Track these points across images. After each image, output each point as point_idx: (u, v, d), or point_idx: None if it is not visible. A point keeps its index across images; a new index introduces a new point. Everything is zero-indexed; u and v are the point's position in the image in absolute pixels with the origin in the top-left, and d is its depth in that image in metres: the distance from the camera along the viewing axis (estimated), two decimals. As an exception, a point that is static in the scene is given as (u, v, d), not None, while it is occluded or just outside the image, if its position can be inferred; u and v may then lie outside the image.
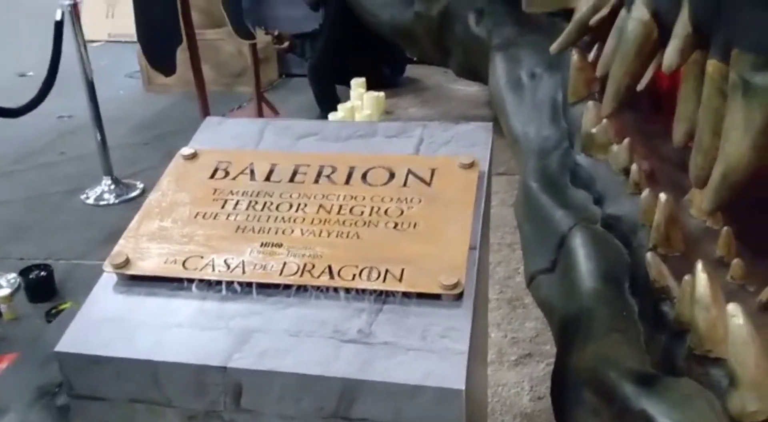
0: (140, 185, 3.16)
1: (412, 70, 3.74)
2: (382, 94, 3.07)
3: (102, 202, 3.05)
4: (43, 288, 2.15)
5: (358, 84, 3.13)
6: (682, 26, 0.76)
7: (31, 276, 2.18)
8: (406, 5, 2.40)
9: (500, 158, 1.75)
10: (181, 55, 3.49)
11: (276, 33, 4.19)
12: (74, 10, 2.88)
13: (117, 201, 3.04)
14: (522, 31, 1.72)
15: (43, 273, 2.21)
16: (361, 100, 3.01)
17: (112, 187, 3.13)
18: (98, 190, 3.12)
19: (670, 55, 0.78)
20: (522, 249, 1.19)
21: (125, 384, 0.73)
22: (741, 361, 0.61)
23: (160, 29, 2.98)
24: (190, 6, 3.23)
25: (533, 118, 1.38)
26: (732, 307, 0.62)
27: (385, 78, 3.45)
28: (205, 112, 3.60)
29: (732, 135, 0.66)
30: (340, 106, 2.98)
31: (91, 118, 3.10)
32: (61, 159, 3.67)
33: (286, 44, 4.19)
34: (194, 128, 1.11)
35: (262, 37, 4.40)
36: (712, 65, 0.70)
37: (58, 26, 2.86)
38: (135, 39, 3.59)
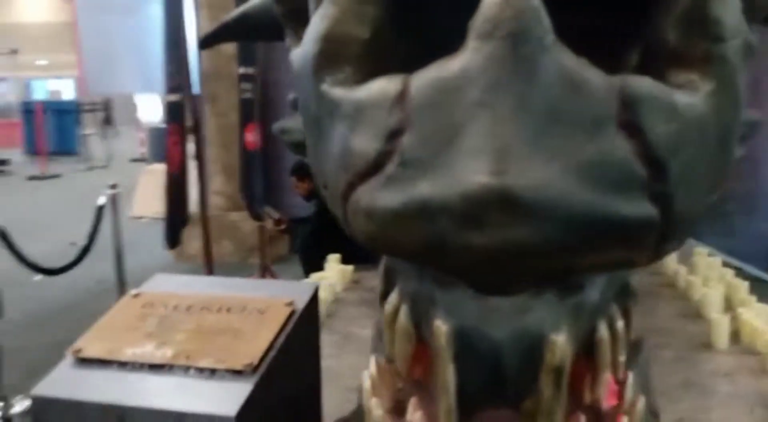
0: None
1: (387, 249, 4.46)
2: (350, 267, 3.77)
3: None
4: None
5: (333, 259, 3.84)
6: None
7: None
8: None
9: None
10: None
11: (276, 217, 5.05)
12: (114, 197, 3.76)
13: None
14: None
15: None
16: (332, 271, 3.70)
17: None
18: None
19: None
20: None
21: (70, 412, 1.32)
22: None
23: (175, 213, 3.82)
24: (207, 196, 4.11)
25: None
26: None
27: (360, 256, 4.16)
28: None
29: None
30: (312, 275, 3.67)
31: (116, 282, 3.86)
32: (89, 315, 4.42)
33: (282, 227, 5.03)
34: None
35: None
36: None
37: (100, 209, 3.73)
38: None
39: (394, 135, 0.86)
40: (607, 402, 1.03)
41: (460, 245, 0.80)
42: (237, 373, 1.33)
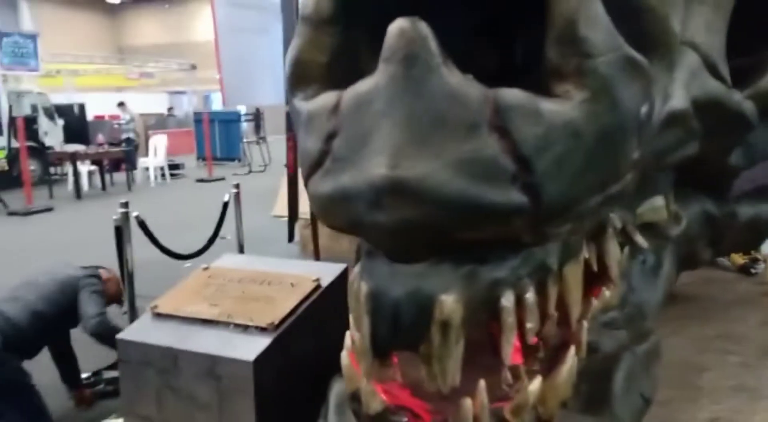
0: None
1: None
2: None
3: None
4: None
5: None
6: None
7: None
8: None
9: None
10: (328, 231, 4.79)
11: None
12: (237, 197, 4.30)
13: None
14: None
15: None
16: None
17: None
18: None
19: None
20: None
21: (141, 351, 1.73)
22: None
23: (290, 211, 4.31)
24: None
25: None
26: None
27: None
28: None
29: None
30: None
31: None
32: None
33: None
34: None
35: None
36: None
37: (225, 204, 4.29)
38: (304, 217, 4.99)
39: (330, 138, 1.14)
40: (513, 360, 1.22)
41: (370, 223, 1.07)
42: (262, 330, 1.67)
